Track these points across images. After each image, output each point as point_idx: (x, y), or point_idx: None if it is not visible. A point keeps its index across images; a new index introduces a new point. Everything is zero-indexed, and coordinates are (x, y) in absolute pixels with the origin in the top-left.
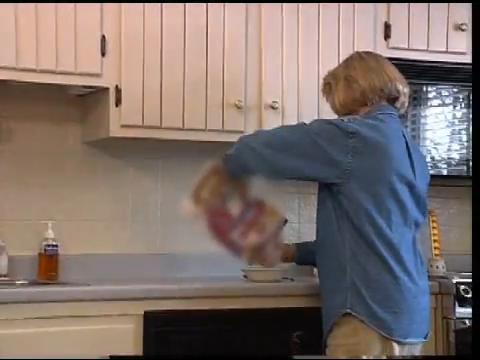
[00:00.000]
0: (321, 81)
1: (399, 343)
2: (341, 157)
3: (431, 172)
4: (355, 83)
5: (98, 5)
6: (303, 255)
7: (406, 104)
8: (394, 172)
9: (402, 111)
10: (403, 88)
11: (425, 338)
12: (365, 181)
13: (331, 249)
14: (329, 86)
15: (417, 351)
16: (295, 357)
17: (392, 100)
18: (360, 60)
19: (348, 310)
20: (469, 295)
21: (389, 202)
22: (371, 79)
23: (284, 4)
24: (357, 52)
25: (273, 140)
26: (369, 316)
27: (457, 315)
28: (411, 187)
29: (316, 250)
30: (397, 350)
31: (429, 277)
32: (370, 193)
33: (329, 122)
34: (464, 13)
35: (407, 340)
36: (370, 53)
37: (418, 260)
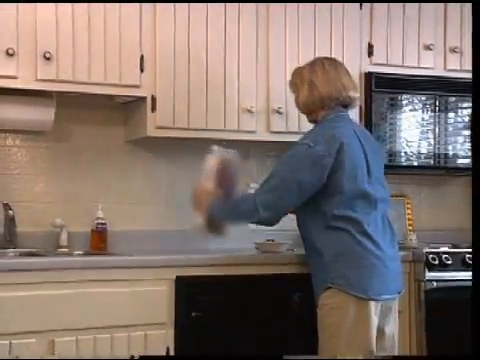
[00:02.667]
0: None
1: (376, 300)
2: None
3: (404, 164)
4: (316, 89)
5: (138, 29)
6: None
7: (357, 104)
8: (353, 165)
9: (353, 108)
10: (354, 94)
11: (399, 293)
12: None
13: (309, 236)
14: (295, 86)
15: (393, 304)
16: (286, 357)
17: (345, 105)
18: (323, 68)
19: (329, 284)
20: (436, 262)
21: (352, 190)
22: (330, 88)
23: (287, 27)
24: (320, 59)
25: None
26: (347, 284)
27: (427, 278)
28: (369, 173)
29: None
30: (373, 305)
31: (404, 248)
32: (338, 187)
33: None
34: (431, 35)
35: (382, 297)
36: (332, 61)
37: (387, 233)
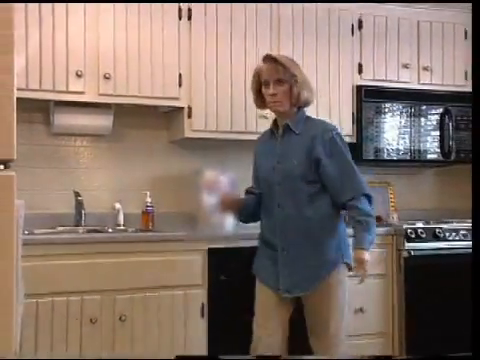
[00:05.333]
0: (282, 61)
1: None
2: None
3: (387, 158)
4: (304, 91)
5: (177, 53)
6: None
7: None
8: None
9: None
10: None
11: None
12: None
13: (323, 217)
14: (295, 78)
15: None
16: (288, 357)
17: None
18: (304, 74)
19: (344, 261)
20: (413, 235)
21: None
22: (309, 93)
23: (294, 48)
24: (297, 64)
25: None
26: (350, 259)
27: (405, 248)
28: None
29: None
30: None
31: (387, 224)
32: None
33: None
34: (408, 57)
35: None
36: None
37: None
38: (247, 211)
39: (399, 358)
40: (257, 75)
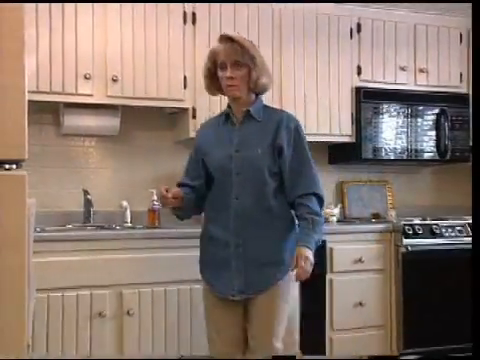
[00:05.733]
0: (240, 39)
1: None
2: None
3: (385, 158)
4: (263, 76)
5: (181, 56)
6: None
7: None
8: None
9: None
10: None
11: None
12: None
13: (281, 212)
14: (254, 61)
15: None
16: (297, 357)
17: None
18: (263, 58)
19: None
20: (410, 231)
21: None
22: (267, 79)
23: (295, 53)
24: (255, 46)
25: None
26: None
27: (403, 243)
28: None
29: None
30: None
31: (386, 221)
32: None
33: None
34: (405, 59)
35: None
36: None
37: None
38: (188, 205)
39: (398, 358)
40: (212, 56)
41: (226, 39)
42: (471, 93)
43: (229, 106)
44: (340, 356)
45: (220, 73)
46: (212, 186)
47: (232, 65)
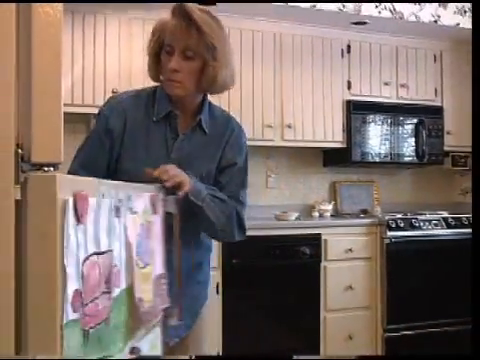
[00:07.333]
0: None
1: None
2: None
3: (371, 161)
4: (223, 71)
5: None
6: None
7: None
8: None
9: None
10: None
11: None
12: None
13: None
14: (214, 52)
15: None
16: (295, 357)
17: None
18: (229, 46)
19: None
20: (394, 225)
21: None
22: (229, 75)
23: (294, 71)
24: (222, 28)
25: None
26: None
27: (387, 236)
28: None
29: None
30: None
31: (372, 216)
32: None
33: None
34: (388, 75)
35: None
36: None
37: None
38: None
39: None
40: (158, 33)
41: (183, 13)
42: (471, 93)
43: (169, 99)
44: (333, 356)
45: (163, 58)
46: None
47: (181, 53)
